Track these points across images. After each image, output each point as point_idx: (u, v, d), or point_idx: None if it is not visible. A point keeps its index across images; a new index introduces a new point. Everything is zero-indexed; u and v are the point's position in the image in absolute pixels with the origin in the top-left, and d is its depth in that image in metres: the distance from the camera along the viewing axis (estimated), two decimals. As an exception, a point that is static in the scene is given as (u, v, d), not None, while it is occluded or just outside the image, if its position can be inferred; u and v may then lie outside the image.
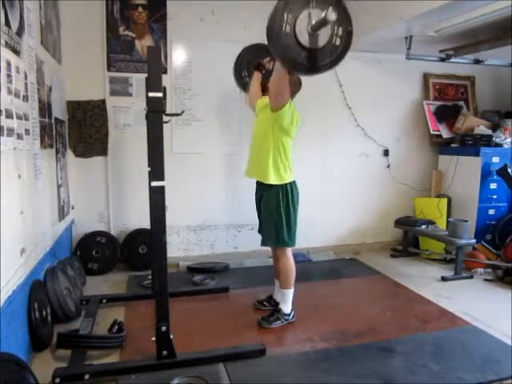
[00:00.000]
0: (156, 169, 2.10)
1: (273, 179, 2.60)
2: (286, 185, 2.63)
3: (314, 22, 1.91)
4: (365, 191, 4.54)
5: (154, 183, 2.10)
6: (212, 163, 4.04)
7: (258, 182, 2.77)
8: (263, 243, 2.77)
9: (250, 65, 3.17)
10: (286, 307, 2.74)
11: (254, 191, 2.85)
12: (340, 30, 2.01)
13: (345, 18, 2.02)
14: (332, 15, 1.85)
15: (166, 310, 2.18)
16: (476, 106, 4.84)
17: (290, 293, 2.74)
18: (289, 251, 2.74)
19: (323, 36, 1.97)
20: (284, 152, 2.60)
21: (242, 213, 4.18)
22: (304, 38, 1.94)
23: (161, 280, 2.16)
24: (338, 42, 2.01)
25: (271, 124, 2.55)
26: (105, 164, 3.80)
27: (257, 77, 2.97)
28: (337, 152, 4.41)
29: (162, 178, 2.10)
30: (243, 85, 3.26)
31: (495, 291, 3.40)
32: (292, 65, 2.04)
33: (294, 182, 2.69)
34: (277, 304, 2.83)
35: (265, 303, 2.97)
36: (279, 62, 2.11)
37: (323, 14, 1.85)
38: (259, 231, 2.84)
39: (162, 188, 2.11)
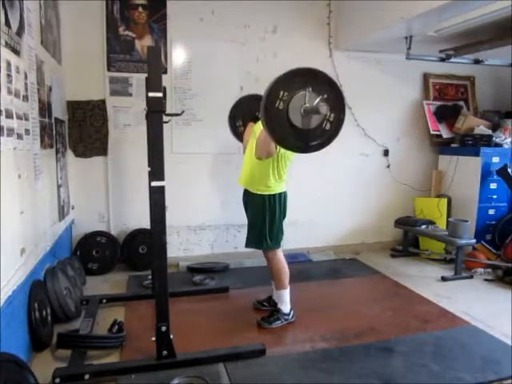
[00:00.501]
0: (156, 169, 2.10)
1: (261, 190, 2.64)
2: (273, 195, 2.64)
3: (307, 105, 1.92)
4: (365, 191, 4.53)
5: (154, 183, 2.10)
6: (212, 163, 4.04)
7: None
8: (247, 245, 2.81)
9: (244, 115, 3.16)
10: (285, 307, 2.75)
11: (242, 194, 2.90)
12: (332, 116, 2.03)
13: (339, 106, 2.04)
14: (323, 108, 1.90)
15: (166, 310, 2.18)
16: (476, 106, 4.84)
17: (285, 293, 2.75)
18: (279, 252, 2.75)
19: (315, 119, 1.98)
20: (277, 166, 2.61)
21: (241, 213, 4.14)
22: (296, 118, 1.95)
23: (161, 280, 2.16)
24: (327, 127, 2.02)
25: None
26: (105, 164, 3.80)
27: (251, 126, 2.98)
28: (337, 152, 4.39)
29: (162, 178, 2.10)
30: (237, 134, 3.26)
31: (495, 291, 3.40)
32: (280, 141, 2.05)
33: (283, 192, 2.70)
34: (276, 304, 2.83)
35: (264, 303, 2.97)
36: (269, 136, 2.09)
37: (315, 103, 1.89)
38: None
39: (162, 188, 2.11)
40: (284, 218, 2.78)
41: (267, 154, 2.53)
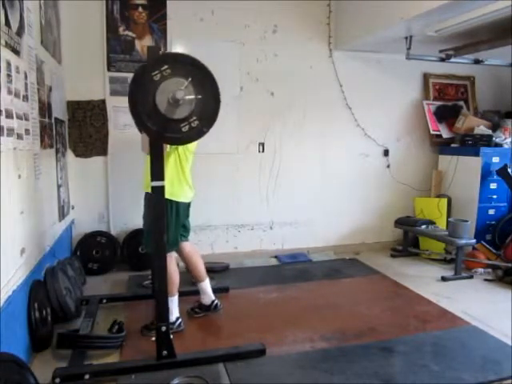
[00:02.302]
0: (155, 169, 2.10)
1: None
2: (173, 201, 2.52)
3: (173, 94, 1.88)
4: (365, 191, 4.53)
5: (153, 183, 2.10)
6: (211, 163, 4.03)
7: None
8: (146, 248, 2.70)
9: None
10: (169, 315, 2.42)
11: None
12: (196, 123, 1.97)
13: (208, 119, 1.99)
14: (180, 94, 1.85)
15: (166, 310, 2.18)
16: (476, 106, 4.84)
17: (170, 301, 2.43)
18: (170, 257, 2.48)
19: (179, 112, 1.93)
20: (179, 160, 2.52)
21: (241, 213, 4.19)
22: (161, 99, 1.90)
23: (160, 280, 2.16)
24: (184, 129, 1.96)
25: None
26: (105, 164, 3.80)
27: None
28: (337, 152, 4.41)
29: (161, 178, 2.10)
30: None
31: (495, 291, 3.40)
32: (138, 119, 1.96)
33: (184, 203, 2.59)
34: (206, 308, 2.81)
35: (196, 310, 2.86)
36: (129, 107, 1.98)
37: (176, 91, 1.85)
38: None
39: (162, 188, 2.11)
40: (181, 227, 2.66)
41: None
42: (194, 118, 1.96)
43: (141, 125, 1.96)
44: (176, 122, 1.94)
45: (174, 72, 1.90)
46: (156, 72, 1.89)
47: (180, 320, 2.62)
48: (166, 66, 1.89)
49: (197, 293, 2.91)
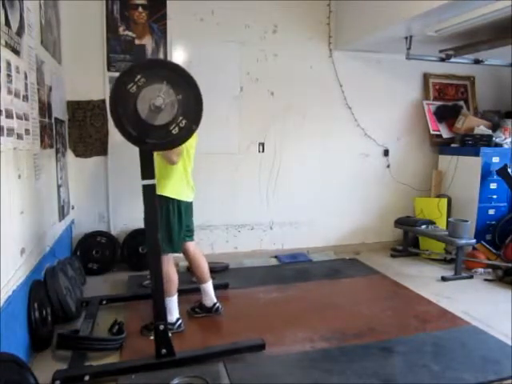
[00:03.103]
0: (145, 167, 2.10)
1: (166, 190, 2.51)
2: (176, 200, 2.54)
3: (155, 101, 1.88)
4: (365, 191, 4.54)
5: (144, 182, 2.10)
6: (211, 163, 4.03)
7: None
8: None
9: None
10: (169, 316, 2.47)
11: None
12: (184, 122, 1.95)
13: (195, 116, 1.98)
14: (158, 101, 1.85)
15: (164, 309, 2.18)
16: (476, 106, 4.84)
17: (169, 301, 2.48)
18: (166, 259, 2.49)
19: (162, 117, 1.92)
20: (181, 158, 2.53)
21: (241, 213, 4.19)
22: (142, 108, 1.89)
23: (156, 278, 2.16)
24: (174, 131, 1.95)
25: None
26: (105, 164, 3.80)
27: None
28: (337, 152, 4.41)
29: (152, 177, 2.10)
30: None
31: (495, 291, 3.40)
32: (118, 122, 1.94)
33: (186, 202, 2.60)
34: (207, 309, 2.81)
35: (196, 310, 2.86)
36: (109, 110, 1.98)
37: (154, 99, 1.85)
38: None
39: (153, 186, 2.11)
40: (185, 227, 2.67)
41: (171, 161, 2.44)
42: (181, 118, 1.95)
43: (125, 135, 1.95)
44: (164, 126, 1.94)
45: (149, 79, 1.90)
46: (131, 84, 1.89)
47: (180, 321, 2.62)
48: (138, 76, 1.89)
49: (197, 290, 2.91)
